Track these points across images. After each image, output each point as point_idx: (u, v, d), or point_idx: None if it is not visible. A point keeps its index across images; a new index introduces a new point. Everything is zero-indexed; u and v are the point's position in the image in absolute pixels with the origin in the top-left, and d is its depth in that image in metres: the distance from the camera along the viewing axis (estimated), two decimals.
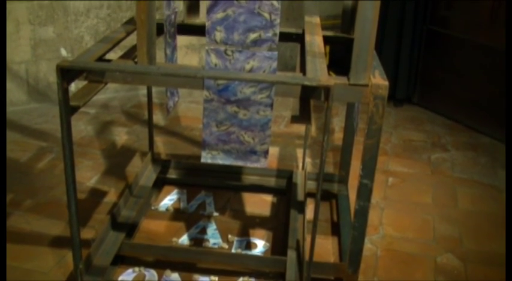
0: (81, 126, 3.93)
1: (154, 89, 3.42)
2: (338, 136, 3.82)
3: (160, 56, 2.15)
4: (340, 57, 2.51)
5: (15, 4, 3.99)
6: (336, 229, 2.87)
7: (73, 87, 3.12)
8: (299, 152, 3.66)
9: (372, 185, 2.03)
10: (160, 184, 3.15)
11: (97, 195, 3.09)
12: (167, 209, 2.97)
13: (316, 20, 2.70)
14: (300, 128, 3.84)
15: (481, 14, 4.03)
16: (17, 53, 4.12)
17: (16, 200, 2.99)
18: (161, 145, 3.70)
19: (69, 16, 4.22)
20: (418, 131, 4.16)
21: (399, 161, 3.66)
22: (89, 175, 3.29)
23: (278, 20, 1.94)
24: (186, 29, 2.64)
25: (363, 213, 2.07)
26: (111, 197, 3.07)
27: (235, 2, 1.93)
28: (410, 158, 3.72)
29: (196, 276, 2.48)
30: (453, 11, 4.28)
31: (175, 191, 3.14)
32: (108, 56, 2.20)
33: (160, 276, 2.47)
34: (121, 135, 3.83)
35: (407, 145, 3.91)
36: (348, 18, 2.56)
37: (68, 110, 1.99)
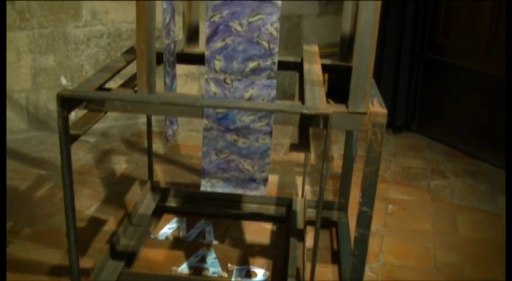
0: (81, 155, 3.93)
1: (154, 118, 3.43)
2: (337, 164, 3.82)
3: (160, 85, 2.16)
4: (339, 84, 2.53)
5: (16, 33, 4.02)
6: (336, 257, 2.85)
7: (73, 115, 3.14)
8: (298, 180, 3.66)
9: (372, 213, 2.03)
10: (159, 212, 3.14)
11: (96, 223, 3.08)
12: (167, 238, 2.96)
13: (315, 48, 2.73)
14: (299, 156, 3.85)
15: (477, 41, 4.06)
16: (18, 81, 4.14)
17: (15, 229, 2.98)
18: (161, 173, 3.70)
19: (70, 45, 4.25)
20: (417, 158, 4.16)
21: (399, 189, 3.65)
22: (88, 203, 3.28)
23: (277, 49, 1.96)
24: (185, 58, 2.66)
25: (362, 241, 2.07)
26: (110, 226, 3.06)
27: (234, 31, 1.95)
28: (409, 185, 3.71)
29: None
30: (450, 39, 4.31)
31: (175, 219, 3.13)
32: (108, 85, 2.22)
33: None
34: (120, 164, 3.83)
35: (407, 172, 3.91)
36: (346, 46, 2.58)
37: (67, 138, 2.00)
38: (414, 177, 3.84)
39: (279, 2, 1.91)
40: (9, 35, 4.00)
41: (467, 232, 3.18)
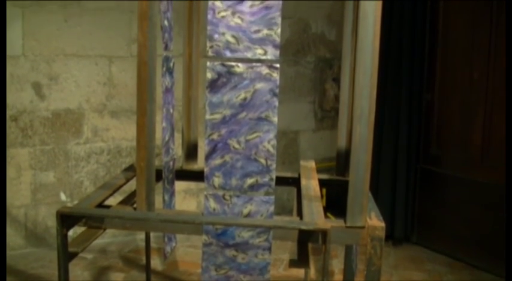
0: (78, 272, 3.87)
1: (152, 234, 3.42)
2: (338, 278, 3.76)
3: (159, 201, 2.18)
4: (337, 198, 2.56)
5: (18, 150, 4.09)
6: None
7: (71, 232, 3.14)
8: None
9: None
10: None
11: None
12: None
13: (312, 164, 2.78)
14: (299, 271, 3.79)
15: (471, 151, 4.12)
16: (17, 197, 4.16)
17: None
18: None
19: (70, 161, 4.31)
20: (418, 271, 4.11)
21: None
22: None
23: (274, 165, 2.00)
24: (184, 175, 2.70)
25: None
26: None
27: (232, 148, 1.99)
28: None
29: None
30: (444, 149, 4.38)
31: None
32: (107, 201, 2.24)
33: None
34: None
35: None
36: (343, 161, 2.63)
37: (66, 256, 1.99)
38: None
39: (275, 120, 1.98)
40: (11, 152, 4.07)
41: None
